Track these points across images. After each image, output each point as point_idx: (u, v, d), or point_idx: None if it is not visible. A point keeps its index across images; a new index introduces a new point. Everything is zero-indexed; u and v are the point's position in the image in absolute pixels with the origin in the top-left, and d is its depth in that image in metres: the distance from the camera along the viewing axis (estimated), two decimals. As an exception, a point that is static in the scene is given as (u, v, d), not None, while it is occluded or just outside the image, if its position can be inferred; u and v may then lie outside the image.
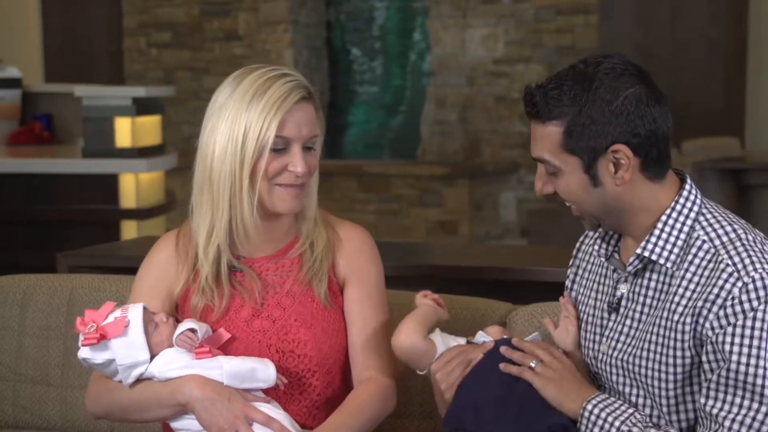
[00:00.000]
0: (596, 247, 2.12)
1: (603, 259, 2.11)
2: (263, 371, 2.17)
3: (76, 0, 8.95)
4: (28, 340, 2.79)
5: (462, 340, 2.21)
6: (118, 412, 2.25)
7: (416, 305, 2.25)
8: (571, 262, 2.27)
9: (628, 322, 2.05)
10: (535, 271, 3.07)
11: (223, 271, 2.25)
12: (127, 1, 9.01)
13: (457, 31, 8.20)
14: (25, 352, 2.79)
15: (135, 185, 5.39)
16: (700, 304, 1.93)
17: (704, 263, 1.96)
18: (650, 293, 2.03)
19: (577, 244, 2.28)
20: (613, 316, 2.08)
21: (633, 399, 2.04)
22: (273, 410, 2.17)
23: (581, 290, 2.21)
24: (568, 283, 2.27)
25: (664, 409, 2.00)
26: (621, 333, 2.06)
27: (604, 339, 2.09)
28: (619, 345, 2.06)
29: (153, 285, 2.30)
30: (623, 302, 2.07)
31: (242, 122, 2.15)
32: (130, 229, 5.38)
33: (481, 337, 2.21)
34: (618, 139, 1.94)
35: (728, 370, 1.89)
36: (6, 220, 5.32)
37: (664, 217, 1.99)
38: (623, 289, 2.07)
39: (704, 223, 1.99)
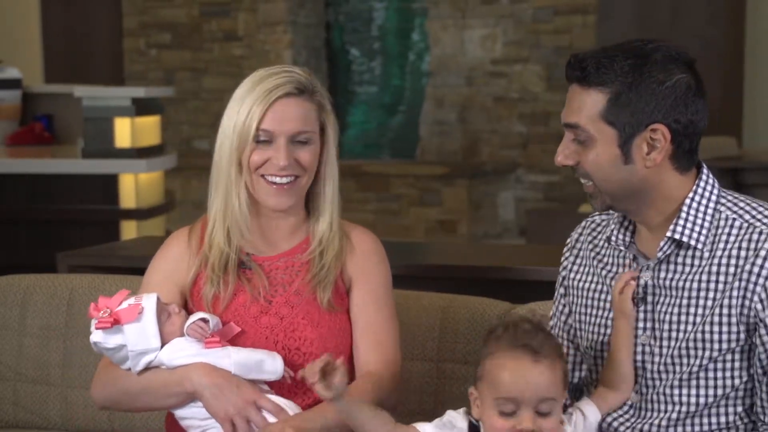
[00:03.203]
0: (613, 238, 2.06)
1: (623, 248, 2.05)
2: (271, 363, 2.19)
3: (77, 1, 8.94)
4: (29, 339, 2.79)
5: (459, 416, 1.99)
6: (125, 400, 2.26)
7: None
8: (566, 254, 2.21)
9: (663, 309, 1.99)
10: (533, 270, 3.07)
11: (231, 262, 2.28)
12: (127, 1, 9.01)
13: (455, 32, 8.21)
14: (25, 351, 2.79)
15: (135, 185, 5.39)
16: (745, 276, 1.91)
17: (739, 238, 1.94)
18: (679, 276, 1.97)
19: (574, 236, 2.20)
20: (641, 306, 2.02)
21: (675, 398, 1.97)
22: (283, 402, 2.18)
23: (584, 284, 2.14)
24: (564, 272, 2.20)
25: (729, 391, 1.94)
26: (656, 320, 2.00)
27: (639, 331, 2.01)
28: (657, 333, 1.99)
29: (165, 278, 2.32)
30: (649, 290, 2.01)
31: (234, 115, 2.25)
32: (129, 229, 5.39)
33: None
34: (660, 119, 1.92)
35: None
36: (6, 220, 5.32)
37: (687, 201, 1.97)
38: (646, 277, 2.01)
39: (728, 204, 1.99)
